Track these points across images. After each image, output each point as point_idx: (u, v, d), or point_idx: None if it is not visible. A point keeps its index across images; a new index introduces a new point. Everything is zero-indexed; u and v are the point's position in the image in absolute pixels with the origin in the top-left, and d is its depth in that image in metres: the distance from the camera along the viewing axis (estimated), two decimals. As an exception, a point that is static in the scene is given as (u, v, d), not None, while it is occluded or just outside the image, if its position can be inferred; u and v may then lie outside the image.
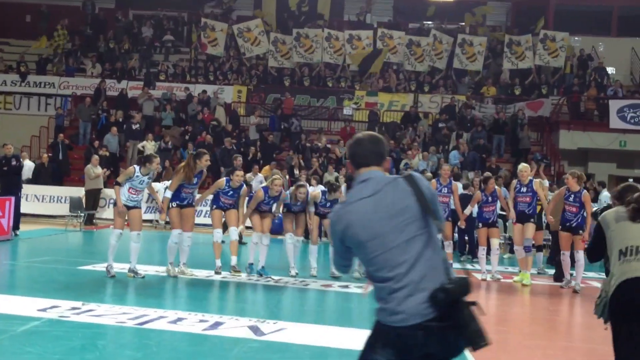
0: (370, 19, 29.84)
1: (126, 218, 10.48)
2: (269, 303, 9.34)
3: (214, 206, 11.31)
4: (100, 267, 11.02)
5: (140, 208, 10.64)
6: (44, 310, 7.62)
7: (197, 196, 11.27)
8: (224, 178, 11.58)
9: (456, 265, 13.42)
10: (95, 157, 19.59)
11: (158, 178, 17.95)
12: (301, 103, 26.14)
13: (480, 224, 12.36)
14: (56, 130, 24.17)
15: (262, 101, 26.23)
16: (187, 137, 23.10)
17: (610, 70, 27.53)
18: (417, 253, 3.39)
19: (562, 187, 12.20)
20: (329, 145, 23.20)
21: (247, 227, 13.03)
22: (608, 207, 4.80)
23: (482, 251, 12.36)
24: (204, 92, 25.33)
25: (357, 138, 3.70)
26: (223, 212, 11.31)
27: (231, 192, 11.18)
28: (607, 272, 4.76)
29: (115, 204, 10.66)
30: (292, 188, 11.57)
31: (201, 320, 7.56)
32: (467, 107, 24.96)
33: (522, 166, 12.39)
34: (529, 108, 25.05)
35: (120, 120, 23.88)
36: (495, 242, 12.39)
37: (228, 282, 10.57)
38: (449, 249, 12.31)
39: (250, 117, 24.92)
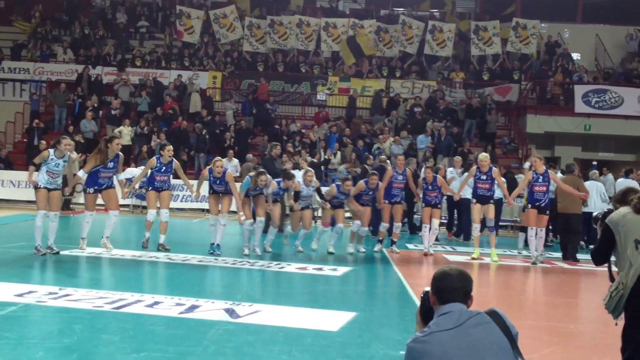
0: (343, 5, 29.98)
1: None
2: (245, 286, 9.50)
3: (150, 187, 11.96)
4: (77, 252, 11.19)
5: (60, 190, 11.04)
6: (20, 295, 7.63)
7: (128, 173, 11.90)
8: (155, 157, 12.15)
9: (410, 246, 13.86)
10: (72, 143, 19.52)
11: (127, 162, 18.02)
12: (275, 89, 26.31)
13: (424, 204, 13.49)
14: (31, 115, 24.08)
15: (237, 87, 26.33)
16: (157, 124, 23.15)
17: (575, 56, 28.18)
18: None
19: (528, 172, 13.07)
20: (303, 130, 23.39)
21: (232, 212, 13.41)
22: (609, 211, 4.92)
23: (425, 229, 13.38)
24: (179, 76, 25.36)
25: (444, 272, 3.54)
26: (158, 194, 11.87)
27: (164, 169, 11.78)
28: (611, 277, 4.80)
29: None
30: (253, 173, 12.01)
31: (177, 304, 7.64)
32: (438, 94, 25.31)
33: (483, 156, 13.21)
34: (498, 93, 25.53)
35: (95, 105, 23.83)
36: (435, 222, 13.42)
37: (204, 266, 10.72)
38: (397, 230, 13.42)
39: (225, 103, 25.02)
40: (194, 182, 13.89)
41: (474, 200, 12.98)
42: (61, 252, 11.03)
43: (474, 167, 13.13)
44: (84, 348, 5.89)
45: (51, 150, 10.78)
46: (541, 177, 12.63)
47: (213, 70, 26.64)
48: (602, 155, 24.41)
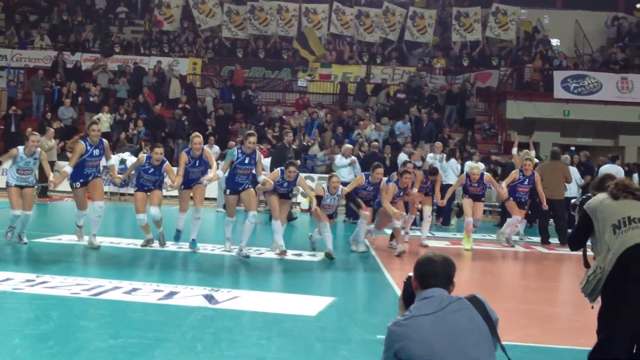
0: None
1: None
2: (224, 272, 9.47)
3: (136, 187, 10.88)
4: (55, 239, 11.12)
5: (32, 187, 10.62)
6: (-3, 283, 7.58)
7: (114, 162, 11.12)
8: (145, 155, 11.08)
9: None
10: (51, 131, 19.38)
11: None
12: (256, 75, 26.23)
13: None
14: (8, 102, 23.84)
15: (218, 73, 26.24)
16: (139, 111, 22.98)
17: (554, 42, 28.34)
18: None
19: (514, 171, 13.09)
20: (284, 117, 23.36)
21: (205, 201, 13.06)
22: (587, 198, 4.97)
23: (410, 218, 13.24)
24: (159, 62, 25.19)
25: (428, 257, 3.60)
26: (147, 194, 10.68)
27: (152, 170, 10.60)
28: (586, 262, 4.86)
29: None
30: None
31: (156, 290, 7.63)
32: (423, 81, 25.36)
33: (473, 167, 12.88)
34: (478, 79, 25.63)
35: (74, 92, 23.64)
36: (427, 209, 13.19)
37: (183, 253, 10.68)
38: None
39: (205, 89, 24.91)
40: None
41: (466, 195, 12.86)
42: (38, 240, 10.94)
43: (464, 175, 13.00)
44: (61, 334, 5.86)
45: (20, 148, 10.35)
46: (527, 179, 12.75)
47: (193, 57, 26.52)
48: (581, 141, 24.65)
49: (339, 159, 17.21)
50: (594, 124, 25.09)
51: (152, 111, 22.72)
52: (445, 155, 16.92)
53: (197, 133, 10.83)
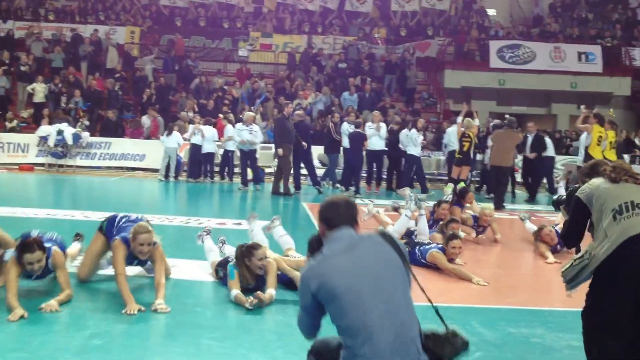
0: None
1: None
2: (162, 241, 9.44)
3: None
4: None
5: None
6: None
7: None
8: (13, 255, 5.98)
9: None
10: None
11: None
12: (196, 44, 25.91)
13: None
14: (-63, 73, 23.04)
15: (157, 42, 25.84)
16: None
17: (491, 12, 28.77)
18: (392, 307, 3.37)
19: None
20: (225, 87, 23.20)
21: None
22: (575, 190, 4.73)
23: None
24: (96, 31, 24.62)
25: (331, 201, 3.68)
26: None
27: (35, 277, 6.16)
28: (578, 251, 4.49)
29: None
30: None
31: (93, 260, 7.65)
32: (358, 50, 25.50)
33: (486, 207, 10.87)
34: (417, 49, 25.89)
35: (7, 62, 23.00)
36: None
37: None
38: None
39: (144, 59, 24.53)
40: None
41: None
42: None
43: (471, 219, 10.72)
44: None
45: None
46: None
47: (131, 25, 26.01)
48: (516, 109, 25.21)
49: (238, 127, 16.72)
50: (528, 92, 25.69)
51: (88, 86, 22.27)
52: (381, 124, 16.94)
53: (143, 226, 6.48)
